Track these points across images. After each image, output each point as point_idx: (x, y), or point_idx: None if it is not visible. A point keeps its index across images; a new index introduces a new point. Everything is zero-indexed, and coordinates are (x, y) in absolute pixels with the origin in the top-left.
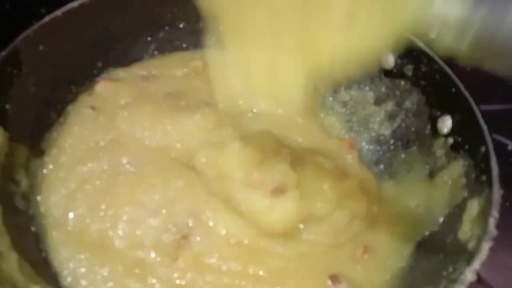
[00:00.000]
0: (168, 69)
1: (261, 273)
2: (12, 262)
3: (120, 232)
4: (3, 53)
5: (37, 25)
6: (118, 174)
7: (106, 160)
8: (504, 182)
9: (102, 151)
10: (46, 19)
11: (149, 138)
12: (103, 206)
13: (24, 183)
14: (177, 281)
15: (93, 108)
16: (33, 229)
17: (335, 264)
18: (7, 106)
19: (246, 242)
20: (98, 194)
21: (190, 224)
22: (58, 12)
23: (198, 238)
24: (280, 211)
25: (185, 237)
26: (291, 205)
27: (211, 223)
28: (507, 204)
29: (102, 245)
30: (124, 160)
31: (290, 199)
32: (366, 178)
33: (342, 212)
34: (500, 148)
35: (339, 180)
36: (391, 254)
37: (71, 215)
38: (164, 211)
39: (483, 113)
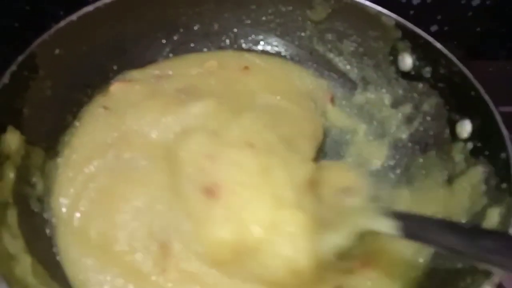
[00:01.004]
0: (182, 69)
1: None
2: (26, 265)
3: (120, 234)
4: (20, 58)
5: (53, 29)
6: (122, 172)
7: (111, 157)
8: None
9: (108, 149)
10: (62, 23)
11: (155, 133)
12: (107, 206)
13: (39, 185)
14: None
15: (105, 108)
16: (47, 231)
17: (336, 278)
18: (24, 110)
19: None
20: (102, 193)
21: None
22: (74, 17)
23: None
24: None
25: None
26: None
27: None
28: None
29: (105, 247)
30: (129, 157)
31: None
32: None
33: None
34: None
35: None
36: (398, 265)
37: (77, 215)
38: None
39: (503, 114)
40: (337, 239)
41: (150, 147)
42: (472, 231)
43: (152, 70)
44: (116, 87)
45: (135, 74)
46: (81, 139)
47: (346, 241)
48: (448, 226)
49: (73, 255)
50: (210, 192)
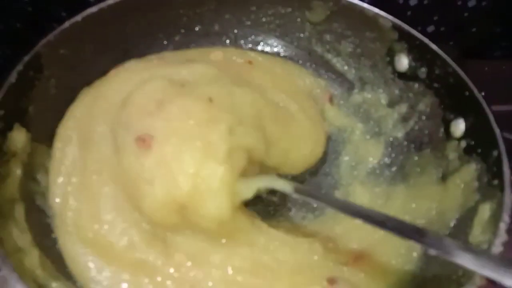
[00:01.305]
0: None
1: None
2: (34, 258)
3: (121, 231)
4: (26, 58)
5: (58, 30)
6: (111, 165)
7: (103, 149)
8: None
9: (98, 140)
10: (67, 24)
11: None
12: (100, 204)
13: (44, 182)
14: (183, 276)
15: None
16: (52, 226)
17: (330, 271)
18: (30, 108)
19: None
20: (96, 187)
21: None
22: (78, 17)
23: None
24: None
25: None
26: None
27: None
28: None
29: (105, 244)
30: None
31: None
32: None
33: None
34: None
35: None
36: (392, 258)
37: (76, 215)
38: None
39: (497, 113)
40: (247, 194)
41: None
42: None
43: (152, 58)
44: (113, 71)
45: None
46: (66, 132)
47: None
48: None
49: (72, 252)
50: (143, 141)
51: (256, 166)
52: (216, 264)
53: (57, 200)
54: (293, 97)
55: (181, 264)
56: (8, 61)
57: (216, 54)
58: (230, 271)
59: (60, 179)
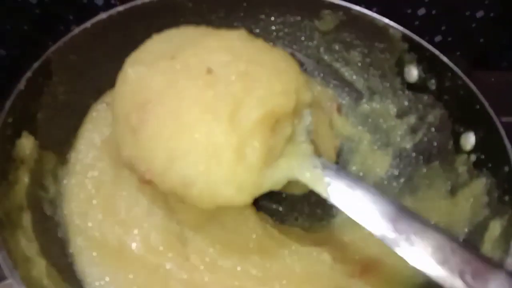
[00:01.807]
0: None
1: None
2: (41, 268)
3: (135, 237)
4: (36, 64)
5: (68, 36)
6: (122, 174)
7: (112, 159)
8: None
9: (106, 149)
10: (76, 30)
11: None
12: (116, 211)
13: (52, 189)
14: (196, 281)
15: (107, 103)
16: (59, 234)
17: (338, 280)
18: (38, 115)
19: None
20: (110, 197)
21: None
22: (88, 24)
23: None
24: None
25: None
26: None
27: None
28: None
29: (122, 251)
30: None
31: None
32: None
33: None
34: None
35: None
36: (400, 271)
37: (90, 220)
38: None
39: (506, 125)
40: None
41: None
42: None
43: None
44: None
45: None
46: (82, 141)
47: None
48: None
49: (88, 259)
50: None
51: None
52: (226, 269)
53: (72, 207)
54: None
55: (195, 268)
56: (15, 62)
57: None
58: (240, 278)
59: (76, 189)
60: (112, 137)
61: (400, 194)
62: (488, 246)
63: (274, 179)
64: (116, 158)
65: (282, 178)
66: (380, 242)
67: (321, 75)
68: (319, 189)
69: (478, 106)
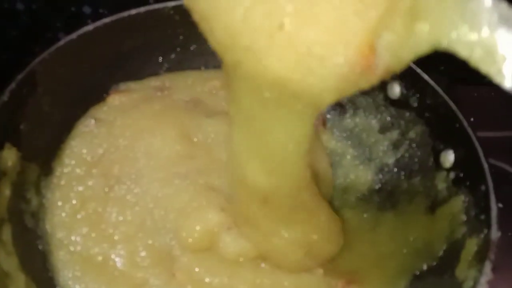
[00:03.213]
0: (183, 83)
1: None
2: (20, 283)
3: (121, 252)
4: (20, 76)
5: (53, 48)
6: (111, 190)
7: (100, 175)
8: (507, 211)
9: (96, 165)
10: (62, 42)
11: (141, 144)
12: (102, 226)
13: (34, 201)
14: None
15: (95, 119)
16: (40, 247)
17: None
18: (21, 126)
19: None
20: (95, 213)
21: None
22: (74, 35)
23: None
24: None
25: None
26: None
27: None
28: (509, 233)
29: (106, 266)
30: (117, 173)
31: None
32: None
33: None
34: (504, 176)
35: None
36: (380, 286)
37: (73, 235)
38: (160, 227)
39: (485, 139)
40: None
41: (138, 162)
42: None
43: (151, 82)
44: (114, 98)
45: (133, 85)
46: (70, 155)
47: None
48: None
49: (70, 274)
50: None
51: None
52: (214, 286)
53: (55, 220)
54: None
55: (180, 285)
56: (2, 69)
57: (214, 83)
58: None
59: (60, 202)
60: (106, 156)
61: (381, 208)
62: (465, 264)
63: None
64: (108, 176)
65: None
66: (364, 255)
67: None
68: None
69: (457, 125)
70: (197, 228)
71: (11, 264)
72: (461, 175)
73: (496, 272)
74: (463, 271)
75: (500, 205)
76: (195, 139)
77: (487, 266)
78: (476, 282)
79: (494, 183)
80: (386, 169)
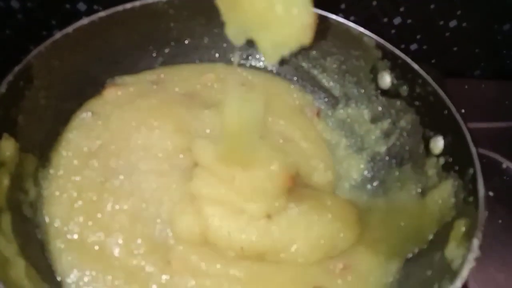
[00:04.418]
0: (179, 77)
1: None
2: (20, 269)
3: (117, 240)
4: (17, 68)
5: (49, 41)
6: (108, 181)
7: (97, 167)
8: (497, 199)
9: (93, 157)
10: (58, 35)
11: (138, 137)
12: (99, 215)
13: (32, 192)
14: (176, 285)
15: (92, 112)
16: (39, 236)
17: (317, 278)
18: (19, 118)
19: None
20: (93, 203)
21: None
22: (69, 29)
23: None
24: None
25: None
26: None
27: None
28: (499, 221)
29: (103, 254)
30: (114, 165)
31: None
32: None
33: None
34: (495, 166)
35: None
36: (373, 270)
37: (71, 224)
38: (155, 216)
39: (476, 130)
40: None
41: (134, 153)
42: None
43: (147, 76)
44: (110, 91)
45: (128, 79)
46: (67, 147)
47: None
48: None
49: (68, 262)
50: None
51: None
52: (211, 274)
53: (53, 209)
54: (290, 119)
55: (176, 272)
56: None
57: (208, 76)
58: (224, 282)
59: (58, 192)
60: (103, 148)
61: (373, 196)
62: (454, 244)
63: None
64: (104, 167)
65: None
66: (358, 240)
67: (300, 81)
68: None
69: (446, 111)
70: (192, 221)
71: (11, 250)
72: (450, 160)
73: (485, 258)
74: (452, 251)
75: (491, 193)
76: (193, 131)
77: (475, 244)
78: (464, 259)
79: (485, 173)
80: (378, 157)
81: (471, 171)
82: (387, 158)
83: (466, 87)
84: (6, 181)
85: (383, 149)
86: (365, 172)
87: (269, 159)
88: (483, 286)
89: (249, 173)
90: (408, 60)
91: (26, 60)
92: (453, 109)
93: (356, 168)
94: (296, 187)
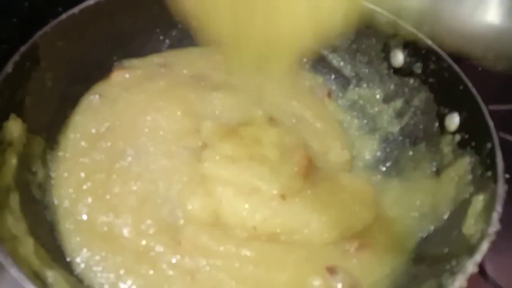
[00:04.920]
0: (186, 59)
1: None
2: (29, 247)
3: (126, 221)
4: (23, 49)
5: (55, 21)
6: (116, 163)
7: (105, 149)
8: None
9: (101, 139)
10: (64, 16)
11: (146, 119)
12: (107, 196)
13: (40, 173)
14: (186, 265)
15: (100, 95)
16: (48, 217)
17: (331, 257)
18: (26, 99)
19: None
20: (101, 184)
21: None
22: (75, 10)
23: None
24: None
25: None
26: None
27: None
28: None
29: (112, 234)
30: (122, 147)
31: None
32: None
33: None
34: (509, 147)
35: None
36: (389, 249)
37: (80, 205)
38: (164, 197)
39: (491, 113)
40: None
41: (142, 135)
42: None
43: (154, 58)
44: (118, 74)
45: (136, 62)
46: (75, 129)
47: None
48: None
49: (77, 242)
50: None
51: None
52: (222, 254)
53: (61, 191)
54: (302, 100)
55: (187, 252)
56: (5, 55)
57: (217, 58)
58: (235, 262)
59: (66, 174)
60: (110, 130)
61: (387, 176)
62: (472, 220)
63: None
64: (113, 149)
65: None
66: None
67: (310, 62)
68: None
69: (461, 87)
70: (204, 201)
71: (20, 228)
72: (467, 136)
73: (502, 242)
74: (471, 227)
75: (507, 175)
76: (201, 113)
77: (495, 217)
78: (483, 233)
79: (503, 155)
80: (391, 138)
81: (488, 145)
82: (400, 138)
83: (480, 69)
84: (14, 161)
85: (396, 129)
86: (378, 153)
87: (282, 136)
88: (497, 267)
89: (262, 152)
90: (421, 35)
91: (32, 40)
92: (469, 84)
93: (369, 149)
94: (312, 169)
